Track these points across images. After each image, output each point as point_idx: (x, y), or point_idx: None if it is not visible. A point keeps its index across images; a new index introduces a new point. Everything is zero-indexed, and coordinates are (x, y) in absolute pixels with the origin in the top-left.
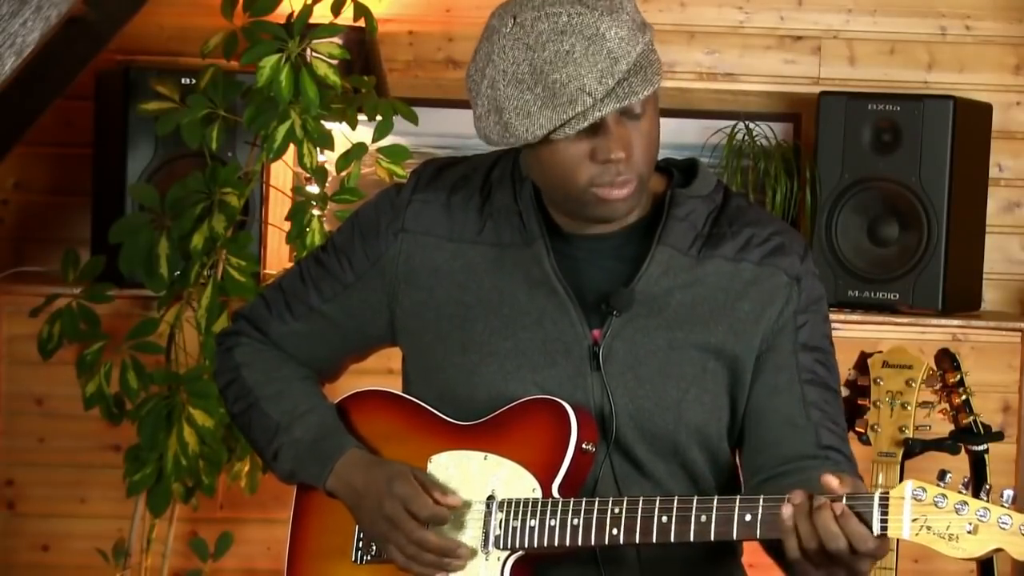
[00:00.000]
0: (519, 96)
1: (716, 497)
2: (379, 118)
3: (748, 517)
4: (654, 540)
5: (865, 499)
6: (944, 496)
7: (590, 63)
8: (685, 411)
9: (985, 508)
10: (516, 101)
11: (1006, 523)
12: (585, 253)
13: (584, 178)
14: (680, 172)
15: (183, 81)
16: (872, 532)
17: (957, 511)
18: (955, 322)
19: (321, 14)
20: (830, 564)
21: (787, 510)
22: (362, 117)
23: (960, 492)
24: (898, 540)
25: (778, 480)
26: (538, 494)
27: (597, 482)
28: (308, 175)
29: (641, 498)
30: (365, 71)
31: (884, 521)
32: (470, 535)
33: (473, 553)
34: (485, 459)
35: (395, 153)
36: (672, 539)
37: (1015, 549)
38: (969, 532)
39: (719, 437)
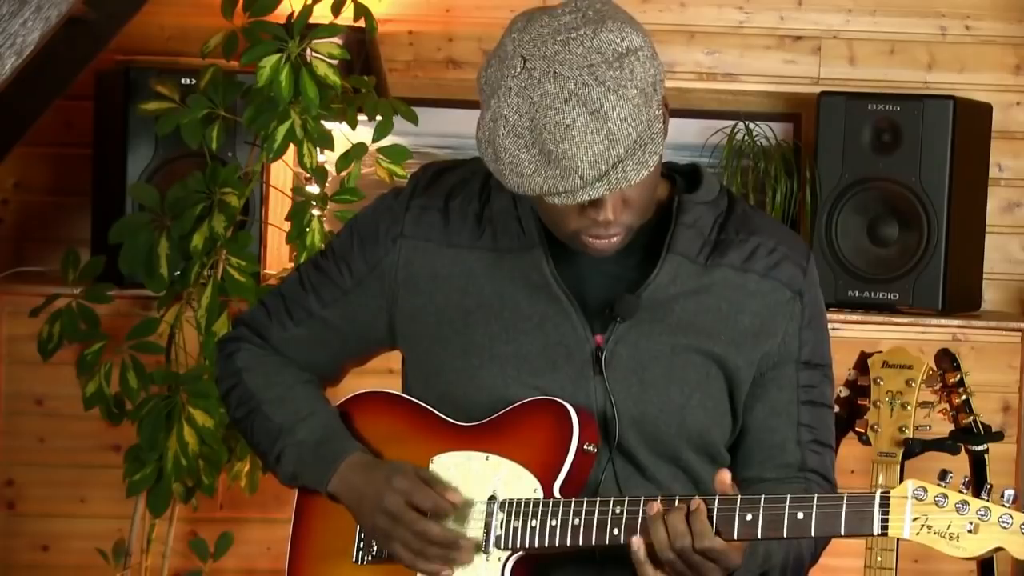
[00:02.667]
0: (516, 152)
1: (717, 496)
2: (379, 118)
3: (749, 517)
4: None
5: (866, 499)
6: (945, 496)
7: (587, 143)
8: (688, 416)
9: (986, 507)
10: (512, 156)
11: (1007, 522)
12: (586, 259)
13: (572, 227)
14: (682, 177)
15: (183, 81)
16: (714, 533)
17: (958, 510)
18: (955, 322)
19: (321, 14)
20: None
21: (636, 541)
22: (362, 117)
23: (961, 492)
24: (898, 540)
25: (756, 486)
26: (539, 494)
27: (599, 485)
28: (308, 175)
29: (643, 498)
30: (365, 71)
31: (885, 520)
32: (471, 535)
33: (476, 547)
34: (487, 459)
35: (395, 153)
36: None
37: (1016, 548)
38: (970, 531)
39: (720, 442)
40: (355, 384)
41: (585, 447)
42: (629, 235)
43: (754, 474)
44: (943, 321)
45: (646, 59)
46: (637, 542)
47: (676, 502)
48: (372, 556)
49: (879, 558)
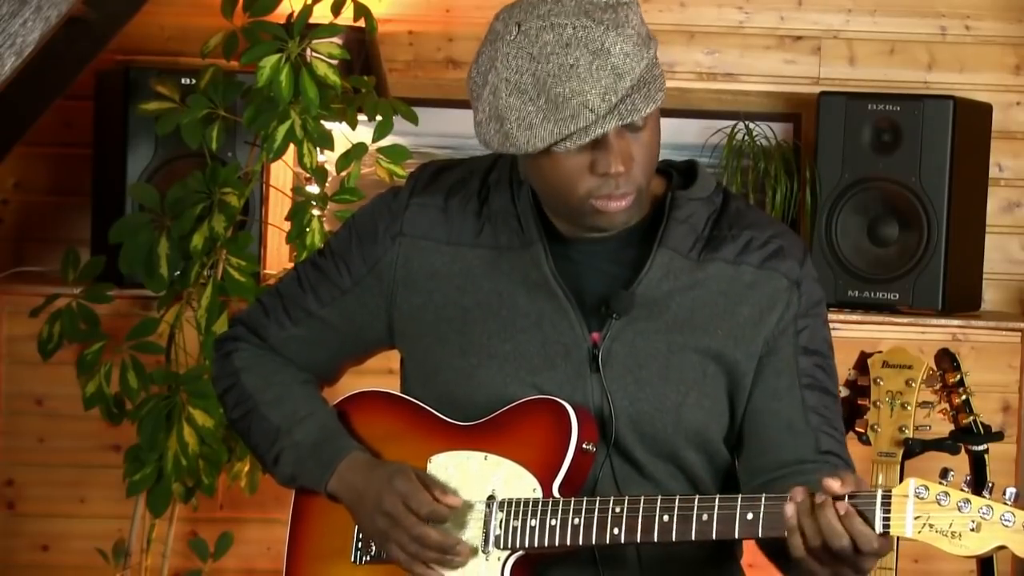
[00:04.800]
0: (521, 107)
1: (718, 496)
2: (379, 118)
3: (750, 516)
4: (655, 539)
5: (868, 497)
6: (947, 494)
7: (594, 79)
8: (685, 414)
9: (988, 506)
10: (518, 112)
11: (1009, 520)
12: (584, 256)
13: (583, 190)
14: (679, 174)
15: (183, 81)
16: (875, 531)
17: (960, 509)
18: (955, 322)
19: (321, 14)
20: (835, 562)
21: (790, 508)
22: (362, 117)
23: (963, 490)
24: (898, 540)
25: (776, 483)
26: (538, 494)
27: (597, 483)
28: (308, 175)
29: (643, 497)
30: (365, 71)
31: (887, 519)
32: (470, 535)
33: (473, 552)
34: (485, 459)
35: (395, 153)
36: (674, 538)
37: (1018, 546)
38: (972, 529)
39: (718, 440)
40: (354, 384)
41: (584, 446)
42: (638, 204)
43: (771, 459)
44: (943, 321)
45: (638, 14)
46: (791, 509)
47: (814, 497)
48: (370, 556)
49: None
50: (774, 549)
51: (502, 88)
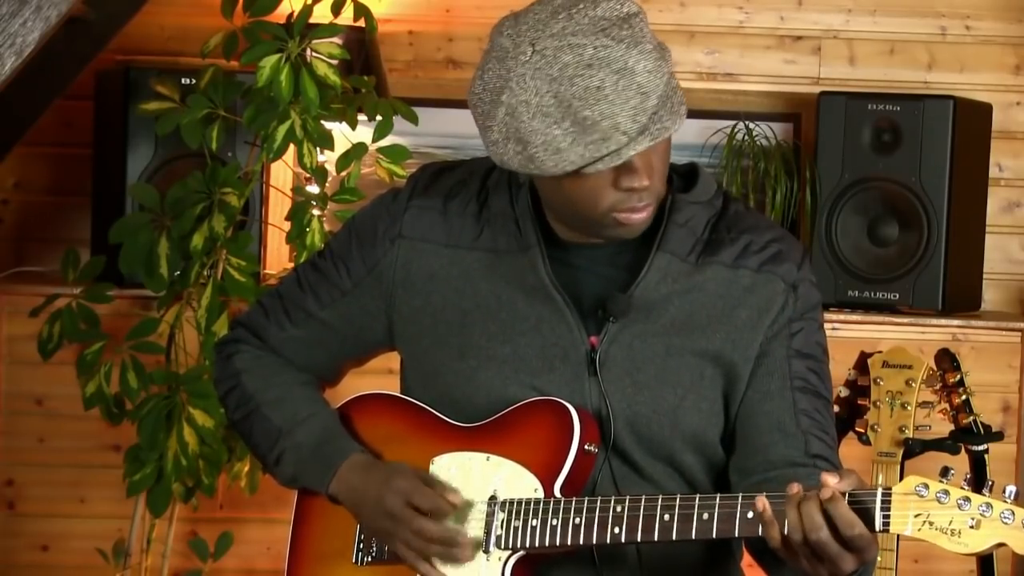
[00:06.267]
0: (546, 131)
1: (718, 495)
2: (379, 118)
3: (751, 514)
4: (656, 538)
5: (867, 495)
6: (946, 492)
7: (622, 100)
8: (682, 417)
9: (987, 503)
10: (543, 136)
11: (1008, 518)
12: (582, 260)
13: (606, 204)
14: (680, 177)
15: (183, 81)
16: (867, 525)
17: (960, 506)
18: (955, 322)
19: (321, 14)
20: (814, 559)
21: (761, 501)
22: (362, 117)
23: (963, 488)
24: (898, 540)
25: (766, 485)
26: (540, 494)
27: (596, 485)
28: (308, 175)
29: (643, 496)
30: (365, 71)
31: (886, 517)
32: (472, 535)
33: (475, 551)
34: (487, 460)
35: (395, 153)
36: (674, 537)
37: (1017, 543)
38: (971, 527)
39: (716, 442)
40: (355, 384)
41: (586, 447)
42: (656, 210)
43: (760, 460)
44: (943, 321)
45: (647, 23)
46: (761, 503)
47: (806, 491)
48: (372, 557)
49: (879, 558)
50: (760, 550)
51: (522, 111)
